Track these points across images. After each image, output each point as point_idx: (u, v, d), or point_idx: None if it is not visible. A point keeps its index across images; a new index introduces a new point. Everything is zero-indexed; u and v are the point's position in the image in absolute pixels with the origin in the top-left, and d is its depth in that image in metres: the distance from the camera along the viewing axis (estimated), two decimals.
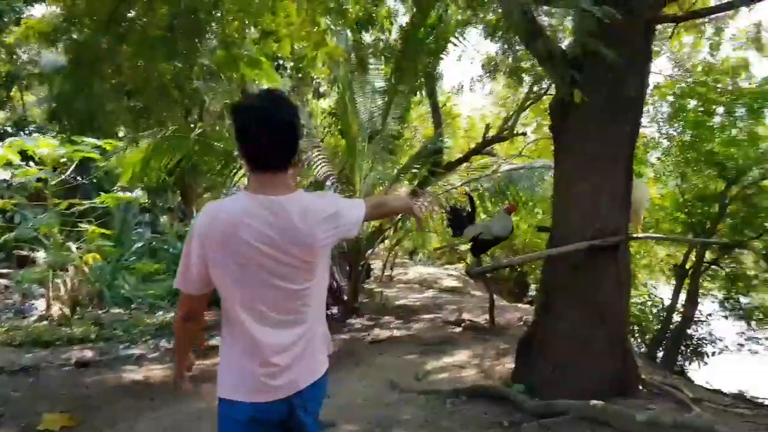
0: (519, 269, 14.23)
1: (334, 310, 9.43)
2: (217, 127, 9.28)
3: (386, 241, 13.03)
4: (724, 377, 8.50)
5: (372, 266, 12.83)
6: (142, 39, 5.90)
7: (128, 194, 8.54)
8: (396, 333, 7.72)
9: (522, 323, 7.90)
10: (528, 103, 11.05)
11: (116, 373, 5.95)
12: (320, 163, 8.53)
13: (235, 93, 12.29)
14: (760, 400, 7.16)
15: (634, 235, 4.51)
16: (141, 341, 7.20)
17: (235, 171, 8.07)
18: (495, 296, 12.67)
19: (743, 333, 9.35)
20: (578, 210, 4.24)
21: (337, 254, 9.15)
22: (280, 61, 10.38)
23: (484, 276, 7.90)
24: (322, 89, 10.63)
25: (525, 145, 12.32)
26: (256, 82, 9.14)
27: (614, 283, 4.24)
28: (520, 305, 10.11)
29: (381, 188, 9.50)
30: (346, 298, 8.97)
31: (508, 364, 5.88)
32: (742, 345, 9.12)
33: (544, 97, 10.66)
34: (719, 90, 8.44)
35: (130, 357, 6.54)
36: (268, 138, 1.77)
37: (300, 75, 10.28)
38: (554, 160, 4.71)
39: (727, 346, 9.14)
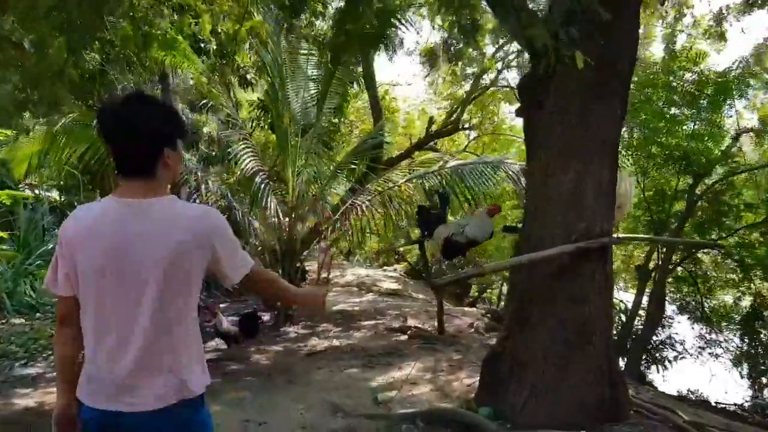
0: (462, 269, 13.81)
1: (266, 317, 8.61)
2: None
3: (322, 242, 12.28)
4: (683, 382, 8.29)
5: (307, 268, 12.03)
6: (29, 6, 4.88)
7: (36, 192, 7.39)
8: (335, 342, 6.99)
9: (473, 330, 7.35)
10: (474, 95, 10.54)
11: (5, 399, 4.94)
12: (248, 158, 7.66)
13: (151, 78, 11.24)
14: (722, 406, 6.96)
15: (618, 236, 3.97)
16: (41, 357, 6.16)
17: None
18: (432, 297, 12.29)
19: (703, 336, 9.15)
20: (558, 206, 3.65)
21: (270, 257, 8.36)
22: (202, 44, 9.39)
23: (432, 285, 7.34)
24: (249, 76, 9.72)
25: (469, 140, 11.83)
26: (173, 65, 8.19)
27: (600, 293, 3.68)
28: (466, 309, 9.58)
29: (316, 186, 8.75)
30: (279, 304, 8.14)
31: (465, 379, 5.27)
32: (702, 348, 8.93)
33: (490, 90, 10.15)
34: (682, 80, 8.15)
35: (25, 378, 5.52)
36: (128, 144, 1.70)
37: (224, 60, 9.35)
38: (527, 149, 4.11)
39: (686, 350, 8.94)
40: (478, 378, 5.14)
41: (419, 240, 8.26)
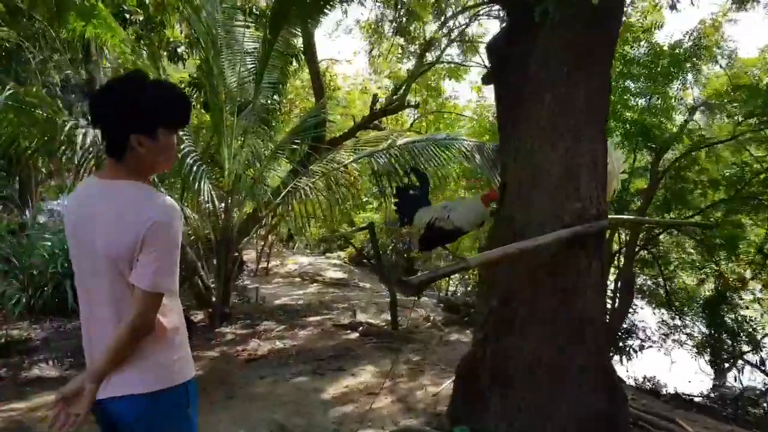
0: (405, 255, 13.26)
1: (199, 316, 7.76)
2: (35, 88, 7.07)
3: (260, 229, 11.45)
4: (641, 371, 7.97)
5: (245, 258, 11.18)
6: None
7: None
8: (279, 344, 6.25)
9: (430, 324, 6.78)
10: (421, 70, 9.90)
11: None
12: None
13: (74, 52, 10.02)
14: (696, 400, 6.68)
15: (613, 217, 3.42)
16: None
17: (68, 146, 6.08)
18: (379, 286, 11.68)
19: (665, 322, 8.86)
20: (547, 186, 3.06)
21: (204, 248, 7.51)
22: (128, 15, 8.31)
23: (385, 276, 6.70)
24: (180, 50, 8.72)
25: (415, 118, 11.19)
26: (94, 37, 7.12)
27: (595, 285, 3.14)
28: (418, 299, 9.02)
29: (255, 168, 7.93)
30: (214, 300, 7.33)
31: (430, 386, 4.69)
32: (666, 335, 8.63)
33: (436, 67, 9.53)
34: (636, 50, 7.78)
35: None
36: (98, 126, 1.70)
37: (152, 31, 8.34)
38: (501, 122, 3.52)
39: (649, 337, 8.64)
40: (445, 386, 4.59)
41: (368, 226, 7.66)
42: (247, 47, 7.64)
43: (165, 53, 8.99)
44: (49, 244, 7.69)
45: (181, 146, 6.62)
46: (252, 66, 7.53)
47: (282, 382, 4.93)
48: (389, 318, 6.80)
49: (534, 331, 3.12)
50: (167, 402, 1.73)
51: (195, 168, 6.61)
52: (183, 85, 9.50)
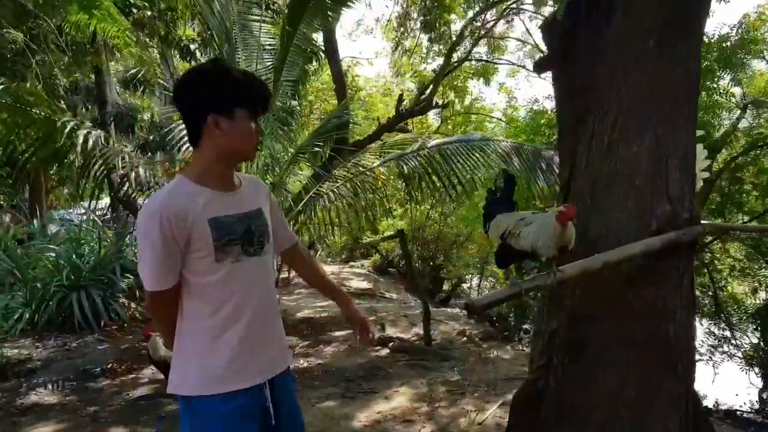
0: (432, 263, 12.70)
1: None
2: (29, 84, 6.71)
3: None
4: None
5: None
6: None
7: None
8: (304, 363, 5.76)
9: (466, 339, 6.24)
10: (448, 69, 9.40)
11: None
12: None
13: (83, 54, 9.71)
14: (746, 415, 6.08)
15: (706, 223, 2.84)
16: None
17: (70, 149, 5.67)
18: (406, 296, 11.15)
19: (712, 332, 8.16)
20: (629, 184, 2.53)
21: None
22: (135, 10, 7.94)
23: (418, 287, 6.18)
24: (193, 47, 8.34)
25: (443, 120, 10.67)
26: (97, 30, 6.73)
27: (687, 304, 2.59)
28: (448, 311, 8.48)
29: (273, 174, 7.48)
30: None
31: (474, 413, 4.15)
32: (714, 347, 7.92)
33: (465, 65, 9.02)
34: None
35: None
36: (179, 110, 1.74)
37: (163, 22, 7.95)
38: (561, 114, 3.00)
39: (697, 350, 7.91)
40: (492, 413, 4.06)
41: (398, 234, 7.17)
42: (264, 43, 7.21)
43: (176, 51, 8.59)
44: (54, 255, 7.29)
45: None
46: (270, 63, 7.10)
47: (308, 407, 4.42)
48: (421, 332, 6.28)
49: (615, 358, 2.58)
50: None
51: None
52: None
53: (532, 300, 2.65)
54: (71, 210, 13.76)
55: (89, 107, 11.69)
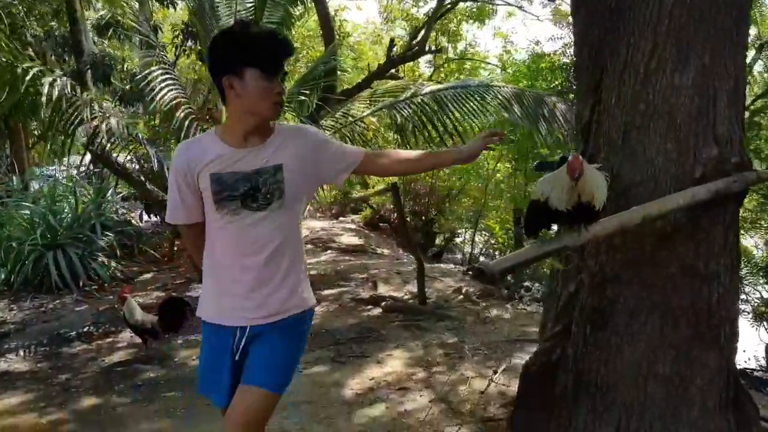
0: (424, 217, 12.33)
1: (200, 291, 6.98)
2: None
3: None
4: None
5: None
6: None
7: None
8: None
9: (462, 297, 5.92)
10: (442, 11, 8.80)
11: None
12: (166, 89, 5.78)
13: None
14: (756, 374, 5.85)
15: (761, 170, 2.44)
16: None
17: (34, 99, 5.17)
18: (398, 251, 10.82)
19: None
20: (670, 126, 2.13)
21: None
22: None
23: (411, 242, 5.81)
24: None
25: (441, 63, 10.10)
26: None
27: (731, 264, 2.24)
28: (442, 266, 8.14)
29: None
30: None
31: (474, 379, 3.84)
32: None
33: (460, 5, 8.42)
34: None
35: None
36: None
37: None
38: (584, 48, 2.56)
39: None
40: (496, 381, 3.75)
41: (392, 188, 6.75)
42: None
43: None
44: (28, 213, 6.86)
45: (171, 96, 5.71)
46: (251, 3, 6.54)
47: (295, 374, 4.10)
48: (415, 290, 5.95)
49: (645, 327, 2.23)
50: None
51: (187, 123, 5.70)
52: (176, 34, 8.53)
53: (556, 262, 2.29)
54: (54, 167, 13.21)
55: (66, 59, 11.05)
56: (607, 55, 2.36)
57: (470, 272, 1.80)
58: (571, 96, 7.59)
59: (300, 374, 4.07)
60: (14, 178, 9.96)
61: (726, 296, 2.24)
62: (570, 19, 9.26)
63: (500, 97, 5.95)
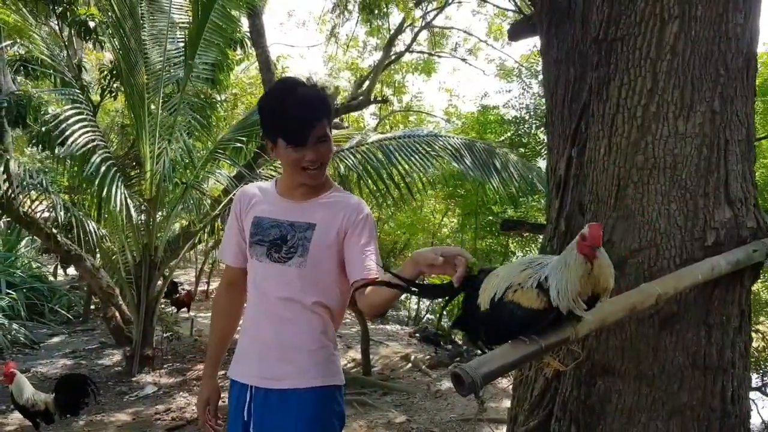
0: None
1: (116, 357, 6.20)
2: None
3: (201, 244, 9.85)
4: None
5: (182, 280, 9.55)
6: None
7: None
8: None
9: (411, 366, 5.38)
10: (388, 61, 8.57)
11: None
12: (80, 130, 5.16)
13: None
14: None
15: None
16: None
17: None
18: None
19: None
20: (673, 184, 1.73)
21: (123, 270, 5.95)
22: None
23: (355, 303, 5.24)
24: (92, 24, 7.10)
25: (386, 114, 9.83)
26: None
27: (743, 353, 1.83)
28: (388, 328, 7.55)
29: (185, 173, 6.43)
30: (132, 338, 5.79)
31: None
32: None
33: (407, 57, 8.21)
34: None
35: None
36: None
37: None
38: (554, 92, 2.19)
39: None
40: None
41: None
42: (177, 20, 6.17)
43: (72, 30, 7.32)
44: None
45: (85, 139, 5.11)
46: (183, 42, 6.05)
47: None
48: (359, 356, 5.38)
49: (645, 430, 1.78)
50: None
51: (104, 169, 5.08)
52: (103, 73, 7.90)
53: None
54: None
55: None
56: (592, 97, 1.98)
57: (451, 378, 1.28)
58: (521, 150, 7.42)
59: None
60: None
61: (741, 391, 1.83)
62: (520, 70, 9.24)
63: (449, 146, 5.64)
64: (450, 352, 5.69)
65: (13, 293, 6.99)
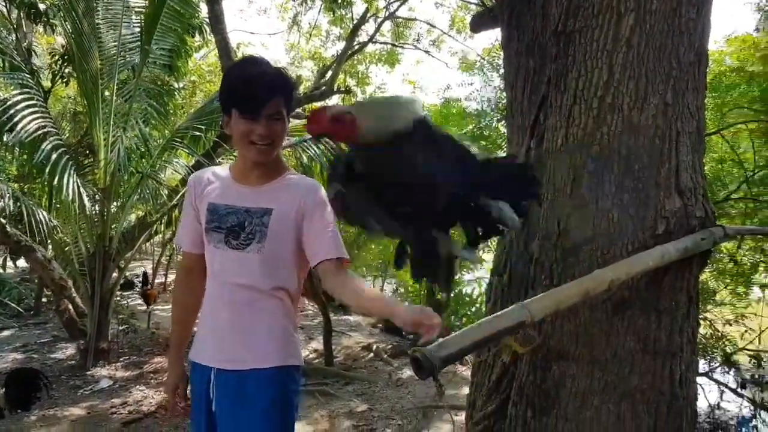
0: None
1: (69, 350, 6.04)
2: None
3: (158, 236, 9.65)
4: None
5: (147, 270, 9.34)
6: None
7: None
8: None
9: (373, 355, 5.41)
10: (351, 51, 8.52)
11: None
12: (29, 116, 4.99)
13: None
14: None
15: (729, 226, 2.11)
16: None
17: None
18: (302, 301, 10.13)
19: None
20: (626, 174, 1.78)
21: (76, 262, 5.79)
22: None
23: (318, 293, 5.16)
24: (42, 6, 6.83)
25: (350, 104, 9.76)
26: None
27: (691, 338, 1.90)
28: (350, 319, 7.55)
29: (145, 161, 6.30)
30: (87, 331, 5.64)
31: None
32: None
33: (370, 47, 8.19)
34: None
35: None
36: None
37: None
38: (516, 84, 2.22)
39: None
40: None
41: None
42: (132, 4, 6.01)
43: (21, 12, 7.04)
44: None
45: (35, 126, 4.94)
46: (139, 27, 5.90)
47: None
48: (320, 347, 5.38)
49: (599, 414, 1.83)
50: None
51: (55, 156, 4.92)
52: (54, 57, 7.62)
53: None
54: None
55: None
56: (551, 89, 2.01)
57: (411, 362, 1.30)
58: (483, 143, 7.50)
59: None
60: None
61: (688, 374, 1.89)
62: (482, 64, 9.33)
63: None
64: (412, 341, 5.74)
65: None
